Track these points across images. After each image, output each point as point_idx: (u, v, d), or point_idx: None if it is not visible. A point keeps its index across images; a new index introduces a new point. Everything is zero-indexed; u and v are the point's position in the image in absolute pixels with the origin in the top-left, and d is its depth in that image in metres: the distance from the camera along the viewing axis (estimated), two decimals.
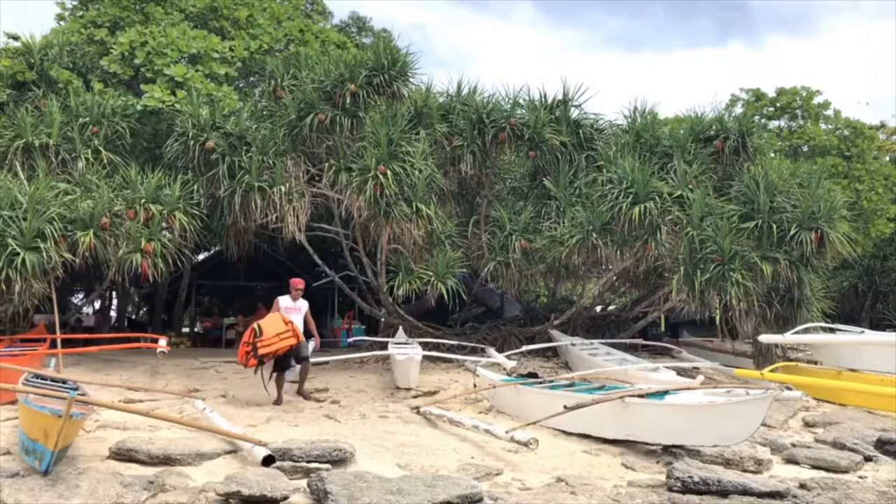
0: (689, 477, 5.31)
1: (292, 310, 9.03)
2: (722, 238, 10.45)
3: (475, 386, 8.95)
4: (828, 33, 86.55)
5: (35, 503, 4.35)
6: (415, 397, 9.15)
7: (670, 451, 6.45)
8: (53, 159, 10.83)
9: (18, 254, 9.16)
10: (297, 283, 9.30)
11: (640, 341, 13.48)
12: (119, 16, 12.62)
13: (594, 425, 6.91)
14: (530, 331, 13.59)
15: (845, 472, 6.13)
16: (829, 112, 19.04)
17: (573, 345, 11.95)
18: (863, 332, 11.81)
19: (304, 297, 9.33)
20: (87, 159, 10.89)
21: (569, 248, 11.33)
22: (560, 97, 13.04)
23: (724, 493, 5.17)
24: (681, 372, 10.32)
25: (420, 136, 11.62)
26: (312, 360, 9.82)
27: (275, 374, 8.50)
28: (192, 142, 11.08)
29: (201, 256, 16.91)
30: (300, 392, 8.94)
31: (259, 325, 8.15)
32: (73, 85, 11.77)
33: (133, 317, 21.91)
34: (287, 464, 5.36)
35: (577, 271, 13.86)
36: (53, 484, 4.62)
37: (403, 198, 11.05)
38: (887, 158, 19.79)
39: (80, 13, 13.44)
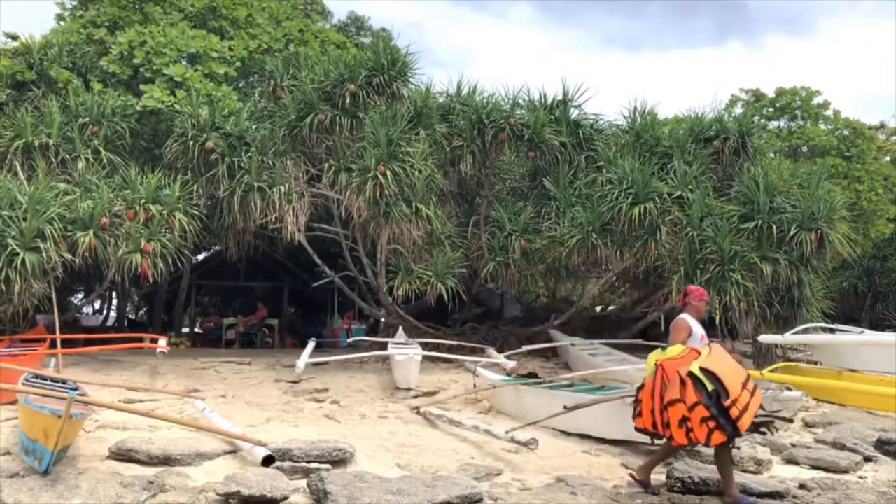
0: (689, 477, 5.31)
1: (704, 340, 5.53)
2: (722, 238, 10.46)
3: (475, 386, 8.94)
4: (827, 33, 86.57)
5: (35, 503, 4.35)
6: (415, 397, 9.14)
7: None
8: (53, 159, 10.85)
9: (18, 254, 9.17)
10: (703, 294, 5.85)
11: (640, 342, 13.48)
12: (118, 16, 12.63)
13: (594, 425, 6.90)
14: (530, 331, 13.59)
15: (845, 472, 6.12)
16: (829, 112, 19.06)
17: (573, 345, 11.95)
18: (863, 332, 11.82)
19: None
20: (86, 159, 10.91)
21: (569, 249, 11.33)
22: (560, 97, 13.04)
23: (723, 494, 5.17)
24: None
25: (420, 136, 11.63)
26: (310, 360, 9.81)
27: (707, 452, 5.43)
28: (191, 142, 11.09)
29: (201, 256, 16.92)
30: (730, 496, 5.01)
31: (710, 370, 4.73)
32: (73, 85, 11.78)
33: (133, 317, 21.92)
34: (287, 464, 5.35)
35: (577, 271, 13.86)
36: (53, 484, 4.61)
37: (403, 198, 11.06)
38: (887, 159, 19.81)
39: (80, 13, 13.44)
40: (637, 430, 5.18)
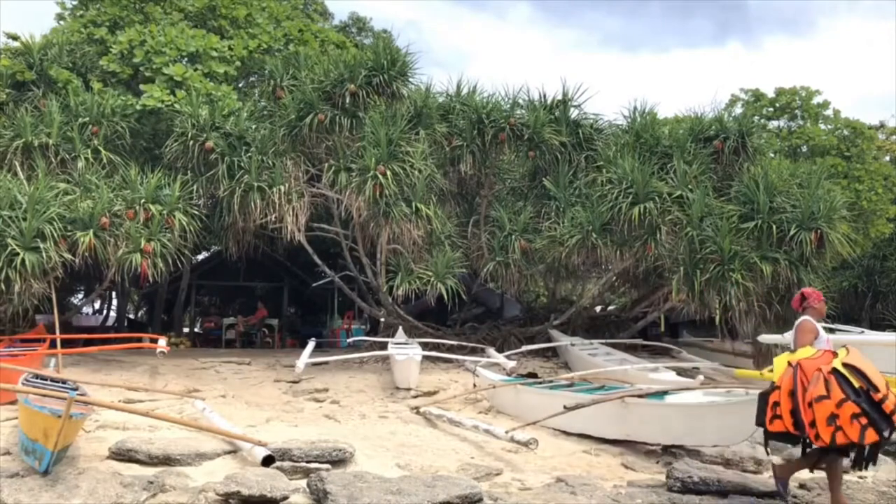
0: (689, 477, 5.32)
1: (829, 343, 5.32)
2: (722, 238, 10.45)
3: (475, 386, 8.95)
4: (826, 33, 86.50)
5: (35, 503, 4.35)
6: (415, 397, 9.15)
7: (670, 451, 6.45)
8: (53, 159, 10.84)
9: (18, 254, 9.17)
10: (820, 296, 5.66)
11: (639, 341, 13.48)
12: (118, 15, 12.63)
13: (594, 425, 6.91)
14: (530, 331, 13.59)
15: (845, 472, 6.11)
16: (829, 112, 19.03)
17: (573, 345, 11.95)
18: (863, 332, 11.81)
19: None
20: (86, 159, 10.90)
21: (568, 248, 11.34)
22: (559, 97, 13.05)
23: (723, 493, 5.18)
24: (681, 372, 10.31)
25: (420, 136, 11.63)
26: (310, 360, 9.82)
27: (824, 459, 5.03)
28: (191, 142, 11.10)
29: (201, 256, 16.92)
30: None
31: (854, 366, 4.63)
32: (73, 85, 11.78)
33: (133, 317, 21.93)
34: (287, 464, 5.36)
35: (577, 271, 13.86)
36: (53, 484, 4.62)
37: (403, 198, 11.06)
38: (887, 158, 19.78)
39: (80, 13, 13.45)
40: (773, 433, 4.88)
